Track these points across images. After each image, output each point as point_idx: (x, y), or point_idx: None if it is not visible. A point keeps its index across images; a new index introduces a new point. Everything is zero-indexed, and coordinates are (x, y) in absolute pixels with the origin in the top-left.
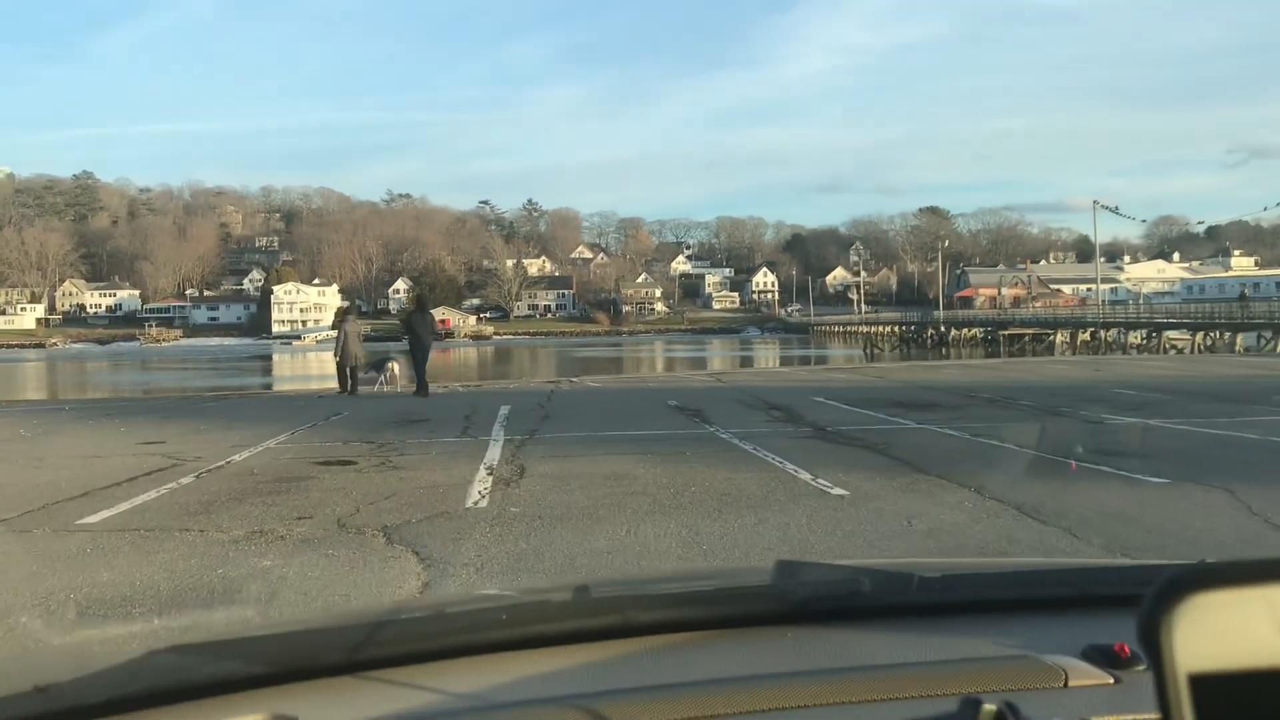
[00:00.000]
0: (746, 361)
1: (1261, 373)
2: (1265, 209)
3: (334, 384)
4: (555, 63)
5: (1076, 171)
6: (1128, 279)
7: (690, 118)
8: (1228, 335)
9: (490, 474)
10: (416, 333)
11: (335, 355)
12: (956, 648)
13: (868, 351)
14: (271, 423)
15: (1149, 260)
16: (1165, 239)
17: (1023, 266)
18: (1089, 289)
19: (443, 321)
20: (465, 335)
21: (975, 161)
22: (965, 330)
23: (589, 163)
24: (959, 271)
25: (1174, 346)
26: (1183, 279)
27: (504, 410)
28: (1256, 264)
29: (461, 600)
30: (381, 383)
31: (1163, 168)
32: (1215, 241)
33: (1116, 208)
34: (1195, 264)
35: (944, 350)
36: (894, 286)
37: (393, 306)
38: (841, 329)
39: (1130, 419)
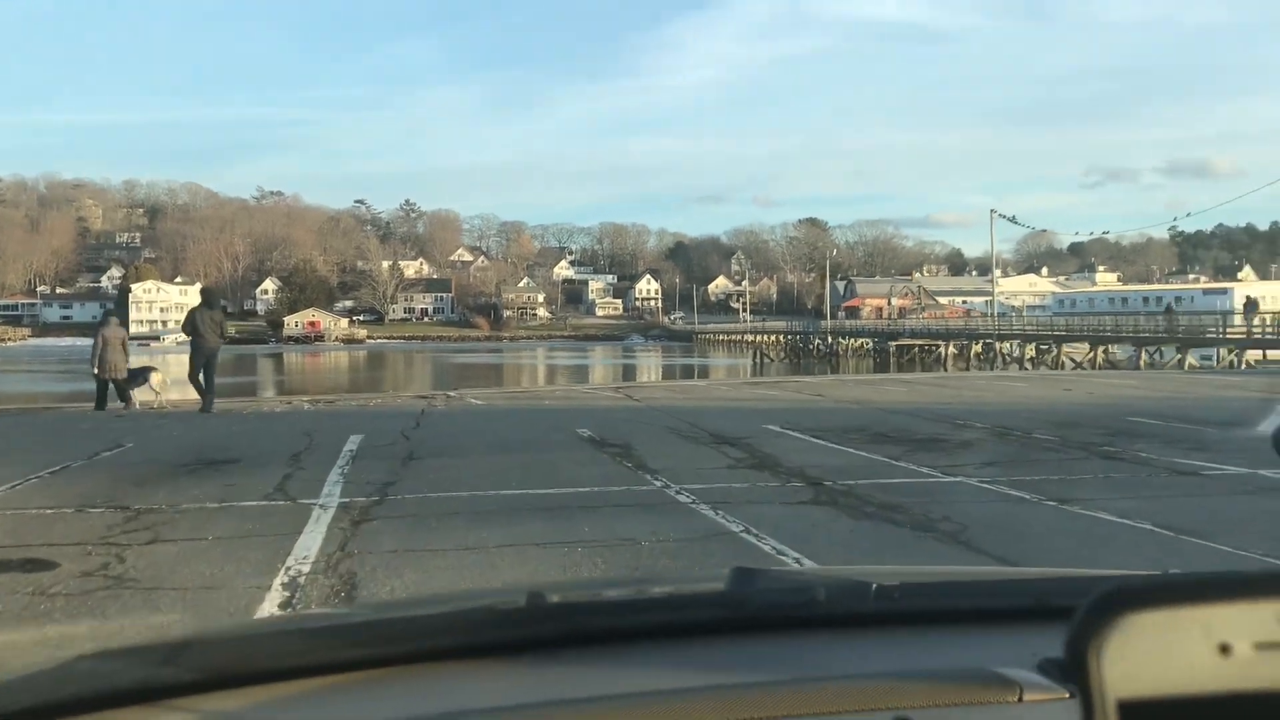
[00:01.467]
0: (631, 372)
1: (1247, 392)
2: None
3: (157, 397)
4: (437, 64)
5: (945, 188)
6: (1001, 292)
7: (573, 124)
8: (1159, 350)
9: (291, 597)
10: (200, 332)
11: (92, 367)
12: (909, 659)
13: (757, 361)
14: (15, 461)
15: (1019, 274)
16: (1033, 254)
17: (908, 277)
18: (965, 300)
19: (311, 324)
20: (336, 338)
21: (850, 176)
22: (853, 341)
23: (470, 165)
24: (846, 281)
25: (1071, 360)
26: (1053, 293)
27: (353, 443)
28: (1119, 279)
29: (408, 604)
30: (137, 399)
31: (1025, 186)
32: (1080, 257)
33: (1014, 217)
34: (1063, 278)
35: (833, 361)
36: (775, 296)
37: (260, 307)
38: (726, 337)
39: (1234, 467)
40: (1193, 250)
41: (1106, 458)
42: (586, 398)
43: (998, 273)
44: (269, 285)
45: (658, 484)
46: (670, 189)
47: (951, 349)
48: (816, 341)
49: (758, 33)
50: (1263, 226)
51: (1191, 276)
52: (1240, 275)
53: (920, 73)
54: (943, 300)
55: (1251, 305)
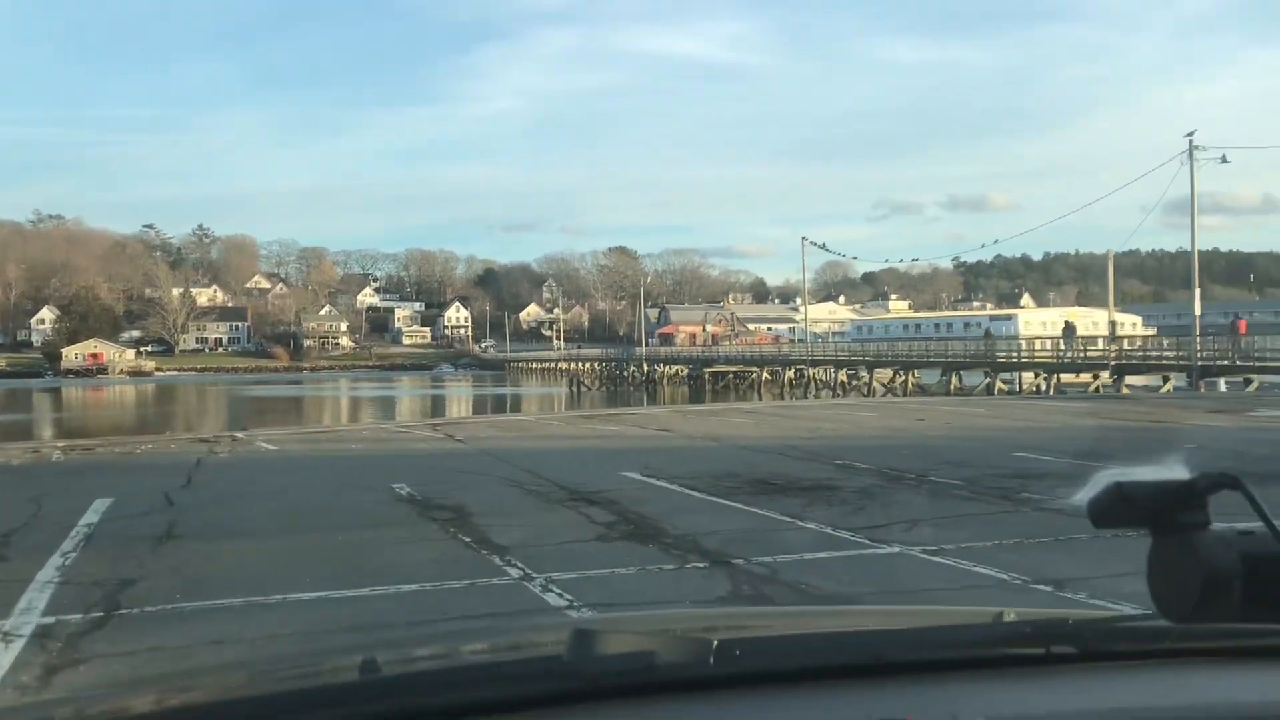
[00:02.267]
0: (443, 404)
1: (1098, 418)
2: (915, 259)
3: None
4: (232, 85)
5: (745, 219)
6: (801, 319)
7: (377, 149)
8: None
9: None
10: None
11: None
12: None
13: (573, 389)
14: None
15: (818, 302)
16: (831, 283)
17: (719, 305)
18: (770, 327)
19: (93, 356)
20: (121, 371)
21: (656, 206)
22: (668, 367)
23: (269, 189)
24: (660, 308)
25: (882, 385)
26: (852, 320)
27: (95, 512)
28: (910, 307)
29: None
30: None
31: (820, 218)
32: (873, 286)
33: (824, 245)
34: (858, 306)
35: (650, 388)
36: (587, 323)
37: (35, 338)
38: (539, 365)
39: None
40: (975, 279)
41: (1038, 508)
42: (401, 439)
43: (805, 299)
44: (46, 314)
45: (513, 573)
46: (479, 216)
47: (766, 375)
48: (632, 369)
49: (561, 64)
50: (1036, 257)
51: (976, 303)
52: (1022, 302)
53: (721, 108)
54: (751, 327)
55: (1069, 330)
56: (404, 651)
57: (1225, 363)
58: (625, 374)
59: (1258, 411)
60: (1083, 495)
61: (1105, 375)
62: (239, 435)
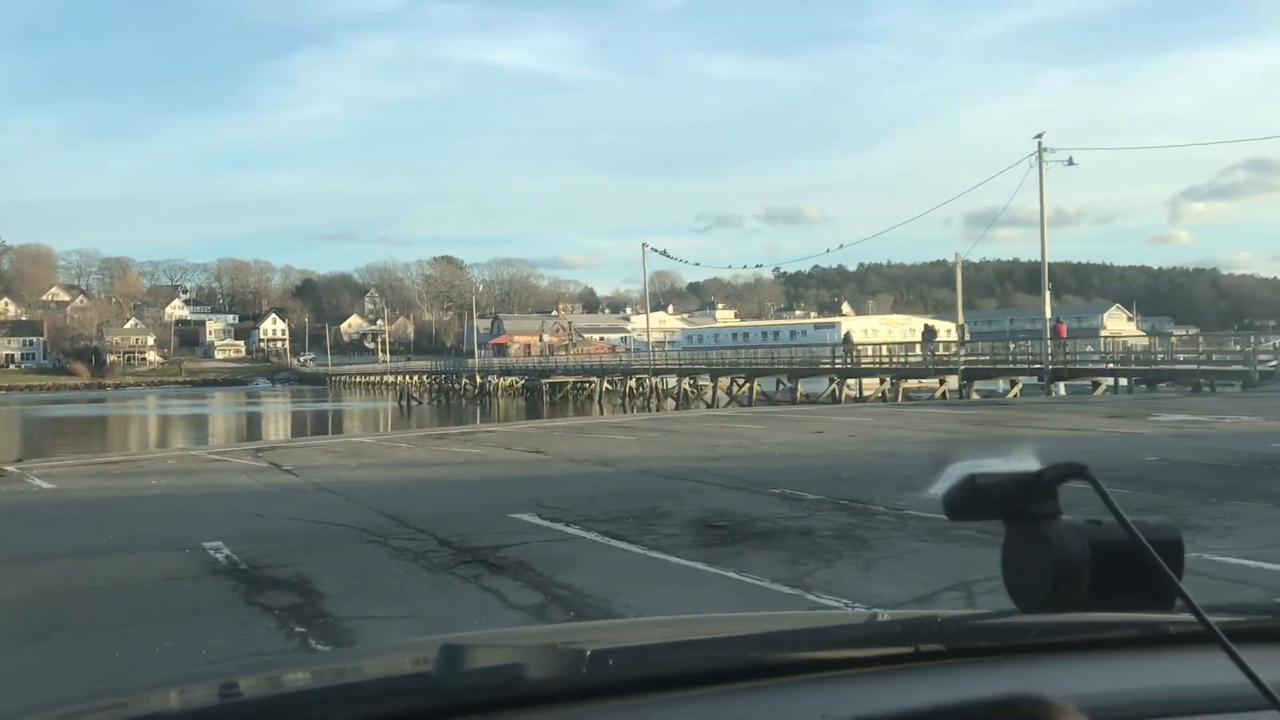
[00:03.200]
0: (259, 422)
1: (1009, 429)
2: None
3: None
4: (23, 88)
5: (571, 230)
6: (634, 329)
7: (185, 156)
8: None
9: None
10: None
11: None
12: None
13: (403, 404)
14: None
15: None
16: (659, 293)
17: (555, 314)
18: (602, 337)
19: None
20: None
21: (483, 216)
22: (503, 379)
23: (67, 197)
24: (494, 318)
25: (726, 393)
26: (682, 329)
27: None
28: (736, 316)
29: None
30: None
31: (645, 230)
32: (700, 296)
33: (665, 251)
34: (686, 315)
35: (484, 401)
36: (413, 335)
37: None
38: (364, 379)
39: None
40: (795, 289)
41: None
42: (215, 471)
43: (648, 306)
44: None
45: None
46: (296, 225)
47: (606, 384)
48: (464, 381)
49: (381, 72)
50: (852, 268)
51: (799, 312)
52: (844, 310)
53: (544, 119)
54: (586, 336)
55: (929, 334)
56: (267, 674)
57: (1076, 366)
58: (457, 387)
59: (1160, 416)
60: (938, 488)
61: (952, 380)
62: (8, 469)
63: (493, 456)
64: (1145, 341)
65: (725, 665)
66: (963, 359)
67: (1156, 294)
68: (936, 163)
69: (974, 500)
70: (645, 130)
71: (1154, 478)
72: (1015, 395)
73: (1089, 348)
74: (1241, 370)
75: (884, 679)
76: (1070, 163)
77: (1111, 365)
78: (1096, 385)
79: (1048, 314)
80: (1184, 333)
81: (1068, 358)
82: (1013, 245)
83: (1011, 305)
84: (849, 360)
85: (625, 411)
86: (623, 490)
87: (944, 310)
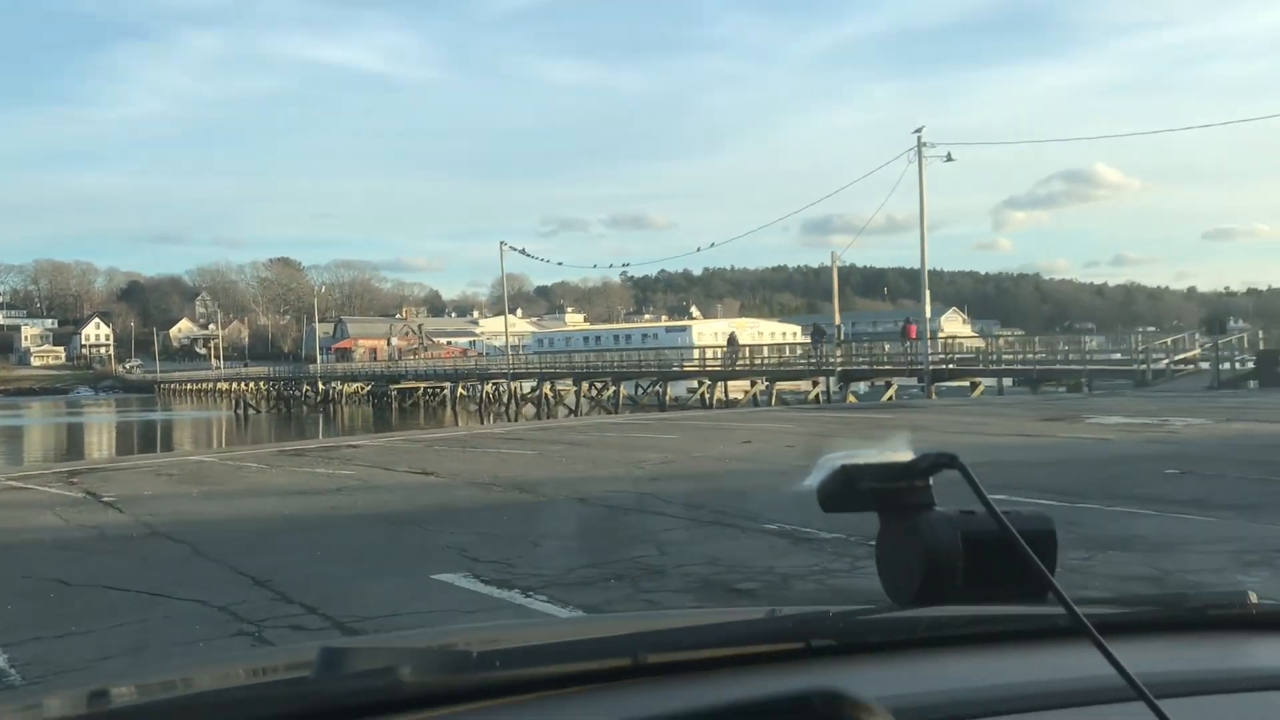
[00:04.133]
0: (81, 434)
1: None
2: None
3: None
4: None
5: (413, 233)
6: (483, 332)
7: None
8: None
9: None
10: None
11: None
12: None
13: (240, 413)
14: None
15: (495, 315)
16: (506, 295)
17: (402, 318)
18: (450, 341)
19: None
20: None
21: (320, 219)
22: (348, 385)
23: None
24: (337, 322)
25: (588, 399)
26: (532, 332)
27: None
28: (585, 319)
29: None
30: None
31: (489, 233)
32: (549, 299)
33: (524, 249)
34: (535, 319)
35: (328, 408)
36: (248, 340)
37: None
38: (195, 386)
39: None
40: (643, 293)
41: None
42: (10, 508)
43: (506, 307)
44: None
45: None
46: (120, 226)
47: (461, 390)
48: (306, 387)
49: (210, 68)
50: (697, 272)
51: (648, 315)
52: (694, 315)
53: (382, 120)
54: (436, 340)
55: (819, 334)
56: (140, 681)
57: (953, 366)
58: (298, 394)
59: (1096, 419)
60: (811, 479)
61: (827, 381)
62: None
63: (373, 480)
64: (981, 343)
65: (612, 665)
66: (839, 361)
67: (984, 298)
68: (774, 170)
69: (846, 491)
70: (486, 133)
71: (1233, 498)
72: (891, 397)
73: (965, 346)
74: (1130, 370)
75: (773, 675)
76: (949, 158)
77: (994, 366)
78: (975, 386)
79: (927, 312)
80: (1010, 334)
81: (946, 358)
82: (849, 252)
83: (852, 309)
84: (732, 362)
85: (483, 419)
86: (568, 529)
87: (789, 314)
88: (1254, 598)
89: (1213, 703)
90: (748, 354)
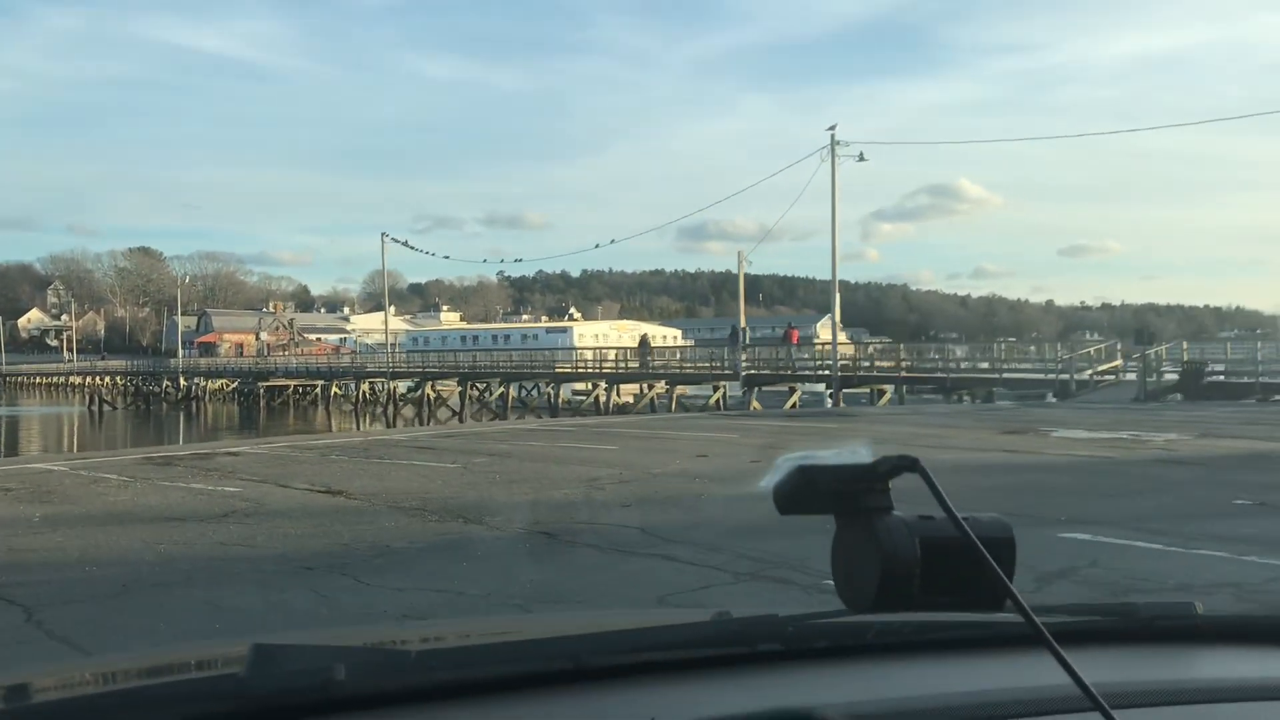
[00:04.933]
0: None
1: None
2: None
3: None
4: None
5: (279, 226)
6: (354, 329)
7: None
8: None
9: None
10: None
11: None
12: None
13: (93, 409)
14: None
15: (367, 312)
16: (379, 292)
17: (272, 312)
18: (320, 337)
19: None
20: None
21: (183, 209)
22: (212, 382)
23: None
24: (200, 315)
25: (475, 399)
26: (407, 330)
27: None
28: (461, 318)
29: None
30: None
31: (361, 229)
32: (423, 297)
33: (407, 241)
34: (409, 316)
35: (191, 406)
36: (103, 332)
37: None
38: (46, 380)
39: None
40: (520, 293)
41: None
42: None
43: (387, 301)
44: None
45: None
46: None
47: (335, 389)
48: (166, 383)
49: (65, 48)
50: (575, 274)
51: (526, 315)
52: (574, 316)
53: (250, 109)
54: (308, 336)
55: (735, 336)
56: (63, 675)
57: (863, 374)
58: (158, 390)
59: (1053, 431)
60: (768, 480)
61: (725, 387)
62: None
63: (268, 502)
64: (851, 349)
65: (554, 668)
66: (746, 365)
67: (854, 306)
68: (651, 174)
69: (804, 492)
70: (358, 127)
71: None
72: (795, 404)
73: (870, 351)
74: (1047, 380)
75: (719, 680)
76: (861, 158)
77: (905, 374)
78: (880, 394)
79: (837, 316)
80: (879, 342)
81: (854, 364)
82: (724, 259)
83: (728, 314)
84: (645, 364)
85: (359, 421)
86: (562, 582)
87: (669, 317)
88: (1200, 608)
89: (1160, 714)
90: (655, 357)
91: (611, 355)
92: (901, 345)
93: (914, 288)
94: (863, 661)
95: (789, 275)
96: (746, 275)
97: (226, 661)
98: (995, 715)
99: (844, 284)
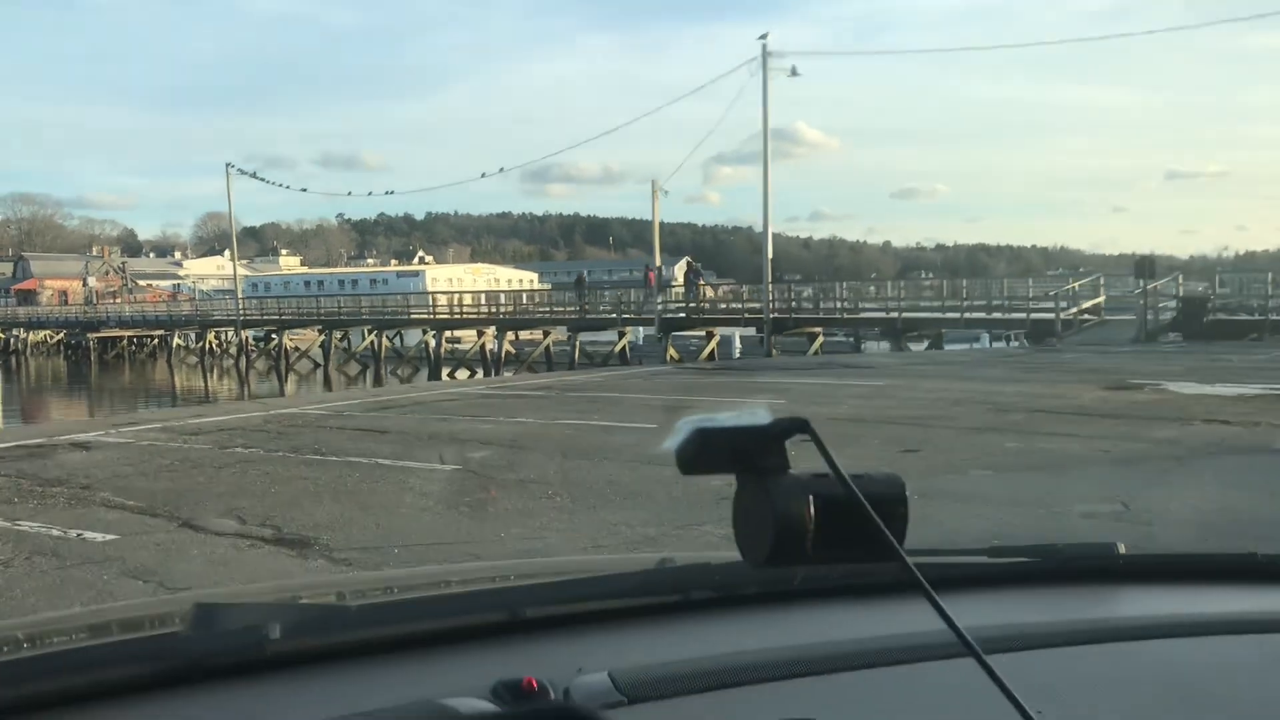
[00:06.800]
0: None
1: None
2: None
3: None
4: None
5: (99, 168)
6: (188, 275)
7: None
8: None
9: None
10: None
11: None
12: (356, 699)
13: None
14: None
15: (200, 257)
16: (213, 236)
17: (99, 255)
18: (149, 284)
19: None
20: None
21: None
22: (34, 333)
23: None
24: (17, 260)
25: (343, 349)
26: (246, 276)
27: None
28: (302, 263)
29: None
30: None
31: (187, 169)
32: (259, 241)
33: (255, 173)
34: (246, 262)
35: (10, 360)
36: None
37: None
38: None
39: None
40: (363, 236)
41: None
42: None
43: (235, 244)
44: None
45: None
46: None
47: (177, 340)
48: None
49: None
50: (419, 216)
51: (371, 260)
52: (427, 259)
53: (58, 41)
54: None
55: (694, 274)
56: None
57: (801, 315)
58: None
59: (1166, 385)
60: (670, 442)
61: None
62: None
63: (175, 574)
64: (713, 293)
65: (487, 620)
66: (661, 308)
67: (702, 249)
68: (492, 115)
69: (704, 454)
70: (179, 62)
71: None
72: (711, 353)
73: (805, 294)
74: (1015, 320)
75: (649, 628)
76: (794, 73)
77: (848, 315)
78: (813, 339)
79: (769, 253)
80: (729, 284)
81: (790, 305)
82: (569, 202)
83: (581, 258)
84: (580, 309)
85: (208, 377)
86: None
87: (521, 260)
88: (1123, 549)
89: (1071, 654)
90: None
91: (504, 300)
92: (842, 284)
93: (757, 230)
94: (791, 607)
95: (636, 218)
96: (592, 219)
97: (169, 620)
98: (874, 663)
99: (691, 226)
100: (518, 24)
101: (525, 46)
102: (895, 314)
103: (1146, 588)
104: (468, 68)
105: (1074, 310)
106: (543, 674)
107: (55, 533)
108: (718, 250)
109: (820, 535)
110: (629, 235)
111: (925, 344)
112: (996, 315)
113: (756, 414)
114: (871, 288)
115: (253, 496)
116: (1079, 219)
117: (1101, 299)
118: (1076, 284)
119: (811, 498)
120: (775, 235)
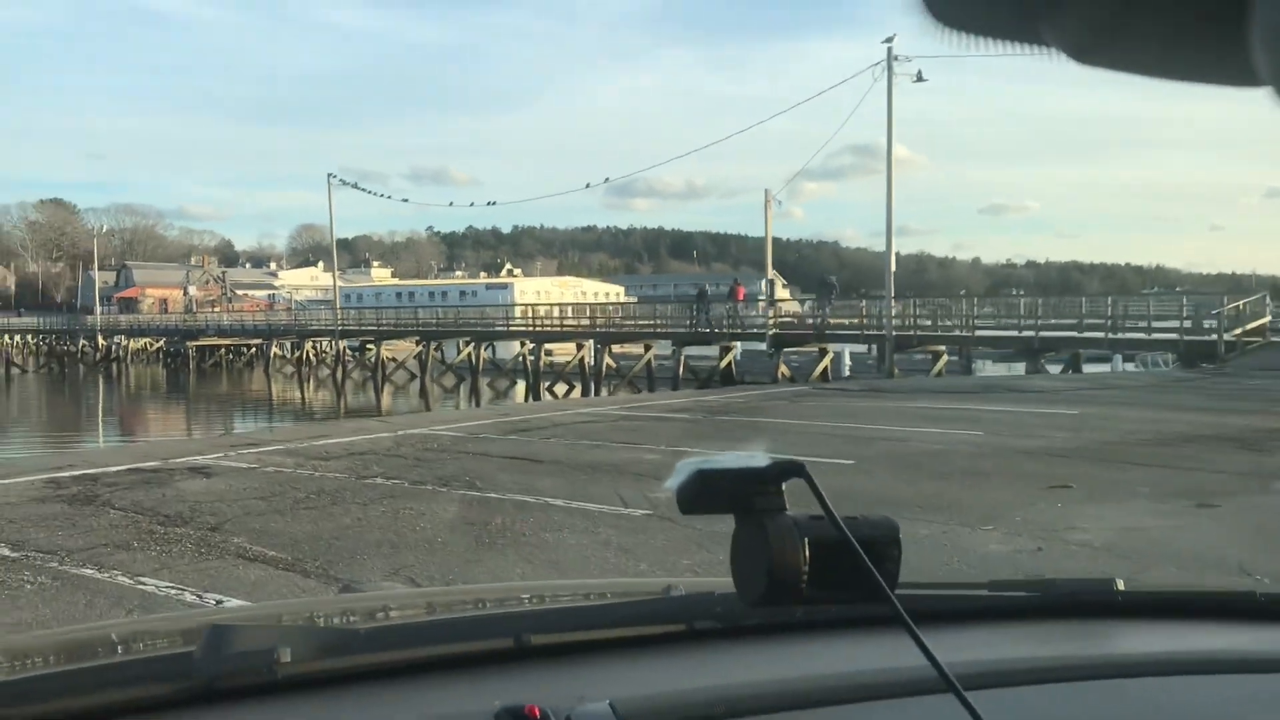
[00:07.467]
0: None
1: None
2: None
3: None
4: None
5: (195, 180)
6: (283, 285)
7: None
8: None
9: None
10: None
11: None
12: None
13: (3, 371)
14: None
15: (294, 268)
16: (307, 248)
17: (199, 264)
18: (245, 293)
19: None
20: None
21: (94, 161)
22: (136, 341)
23: None
24: (120, 269)
25: (440, 361)
26: (340, 287)
27: None
28: (393, 274)
29: None
30: None
31: (280, 181)
32: (351, 253)
33: (356, 184)
34: (340, 273)
35: (113, 367)
36: (14, 288)
37: None
38: None
39: None
40: (452, 249)
41: None
42: None
43: (335, 250)
44: None
45: None
46: None
47: (275, 349)
48: (84, 343)
49: None
50: (506, 230)
51: (459, 272)
52: (515, 272)
53: (160, 57)
54: (241, 293)
55: (827, 288)
56: (12, 651)
57: (920, 333)
58: (74, 350)
59: None
60: (671, 482)
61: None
62: None
63: None
64: (797, 307)
65: (492, 646)
66: (774, 322)
67: (786, 264)
68: (577, 128)
69: (704, 495)
70: (274, 77)
71: None
72: (825, 370)
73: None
74: (1168, 341)
75: (654, 657)
76: (920, 77)
77: (974, 333)
78: (936, 358)
79: (892, 266)
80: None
81: (907, 322)
82: (653, 216)
83: (667, 270)
84: (704, 323)
85: (305, 387)
86: None
87: (607, 273)
88: (1121, 585)
89: (1062, 690)
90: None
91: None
92: (971, 299)
93: (844, 245)
94: (795, 640)
95: (720, 232)
96: (676, 233)
97: (182, 640)
98: (859, 697)
99: (776, 241)
100: (600, 36)
101: (608, 61)
102: (1031, 333)
103: (1144, 624)
104: (552, 83)
105: (1238, 331)
106: (545, 701)
107: (189, 598)
108: (800, 264)
109: (814, 576)
110: (714, 249)
111: (1060, 366)
112: (1138, 335)
113: (754, 456)
114: (994, 306)
115: (417, 548)
116: (1175, 237)
117: (1267, 319)
118: (1242, 302)
119: (806, 540)
120: (860, 250)
